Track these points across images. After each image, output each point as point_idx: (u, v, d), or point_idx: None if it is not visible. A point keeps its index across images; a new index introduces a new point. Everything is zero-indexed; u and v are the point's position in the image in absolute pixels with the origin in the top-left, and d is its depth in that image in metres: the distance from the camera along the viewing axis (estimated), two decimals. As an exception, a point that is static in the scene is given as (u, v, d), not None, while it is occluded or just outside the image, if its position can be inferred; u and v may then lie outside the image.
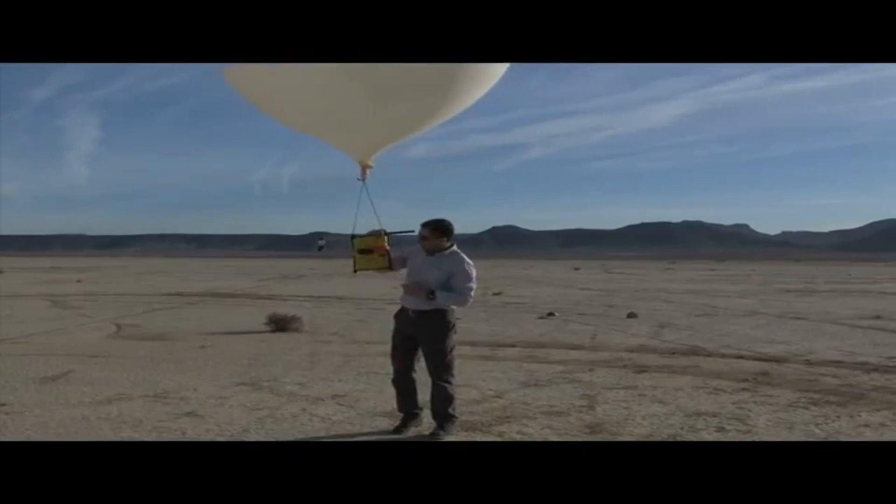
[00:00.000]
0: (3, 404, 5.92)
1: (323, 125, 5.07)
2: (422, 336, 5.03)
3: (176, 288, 25.01)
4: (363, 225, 5.04)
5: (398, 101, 4.71)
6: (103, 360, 8.42)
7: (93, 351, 9.14)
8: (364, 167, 5.03)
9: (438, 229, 5.03)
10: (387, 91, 4.56)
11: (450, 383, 5.03)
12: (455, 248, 5.09)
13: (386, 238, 4.99)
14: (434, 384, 5.02)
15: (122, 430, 5.19)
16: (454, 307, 5.05)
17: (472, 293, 5.00)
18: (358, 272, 5.09)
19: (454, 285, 4.96)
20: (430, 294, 4.90)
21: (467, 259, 5.04)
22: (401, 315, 5.16)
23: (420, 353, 5.09)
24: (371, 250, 4.97)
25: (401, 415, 5.23)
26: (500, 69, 4.98)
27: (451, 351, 5.05)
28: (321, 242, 5.25)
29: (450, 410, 5.03)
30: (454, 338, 5.08)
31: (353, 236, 4.99)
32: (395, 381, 5.20)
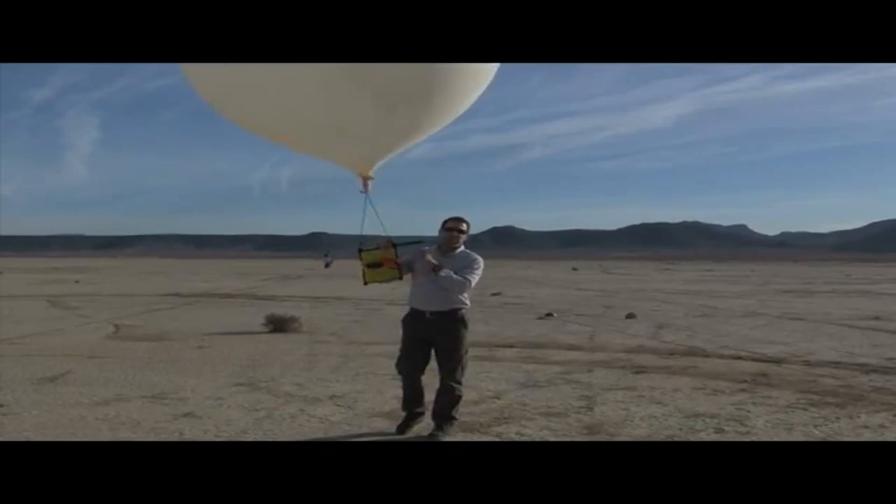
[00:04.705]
0: (2, 405, 5.91)
1: (318, 140, 4.77)
2: (438, 337, 4.98)
3: (174, 288, 25.02)
4: (366, 230, 5.00)
5: (400, 107, 4.48)
6: (101, 360, 8.41)
7: (91, 351, 9.13)
8: (365, 179, 4.90)
9: (468, 224, 5.09)
10: (389, 96, 4.34)
11: (460, 384, 5.03)
12: (464, 248, 5.12)
13: (394, 249, 4.94)
14: (443, 385, 4.99)
15: (119, 430, 5.18)
16: (468, 305, 5.06)
17: (471, 283, 4.99)
18: (368, 284, 5.04)
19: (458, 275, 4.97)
20: (436, 269, 4.89)
21: (478, 257, 5.07)
22: (413, 318, 5.09)
23: (431, 356, 5.06)
24: (380, 263, 4.92)
25: (403, 414, 5.21)
26: (493, 68, 4.83)
27: (466, 352, 5.05)
28: (328, 259, 5.35)
29: (453, 412, 5.03)
30: (468, 338, 5.09)
31: (360, 250, 4.93)
32: (404, 385, 5.16)
